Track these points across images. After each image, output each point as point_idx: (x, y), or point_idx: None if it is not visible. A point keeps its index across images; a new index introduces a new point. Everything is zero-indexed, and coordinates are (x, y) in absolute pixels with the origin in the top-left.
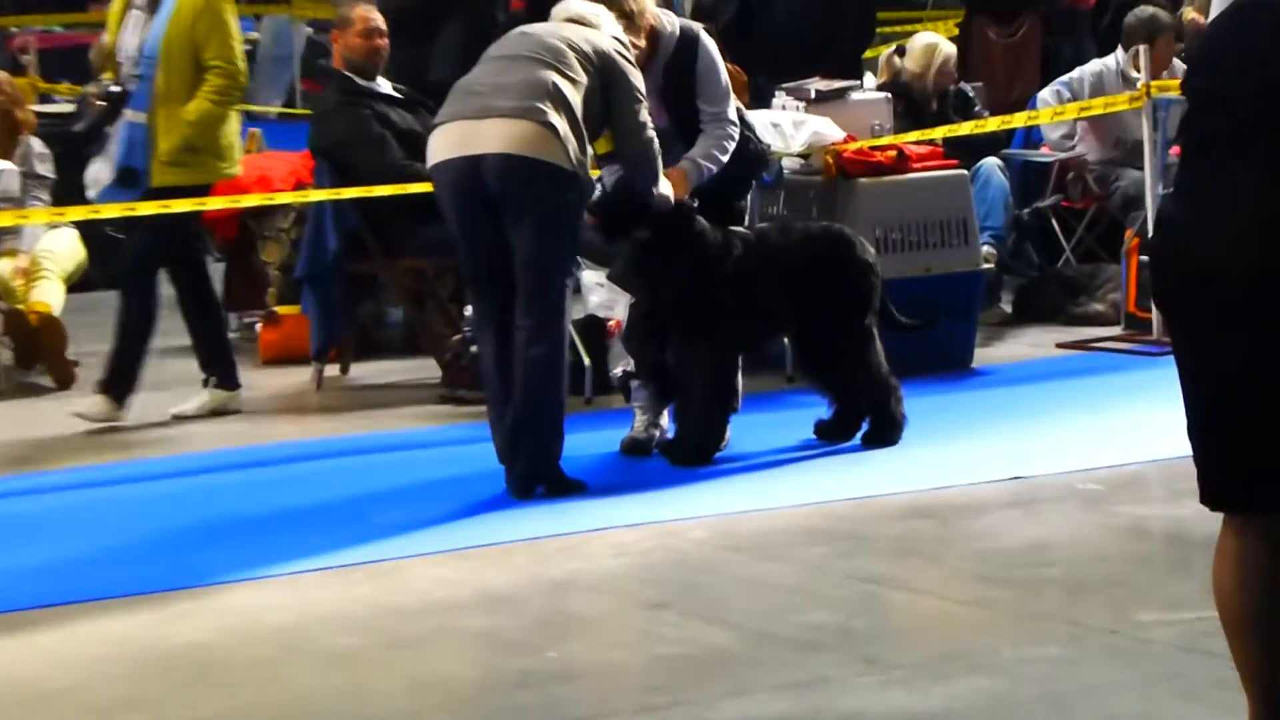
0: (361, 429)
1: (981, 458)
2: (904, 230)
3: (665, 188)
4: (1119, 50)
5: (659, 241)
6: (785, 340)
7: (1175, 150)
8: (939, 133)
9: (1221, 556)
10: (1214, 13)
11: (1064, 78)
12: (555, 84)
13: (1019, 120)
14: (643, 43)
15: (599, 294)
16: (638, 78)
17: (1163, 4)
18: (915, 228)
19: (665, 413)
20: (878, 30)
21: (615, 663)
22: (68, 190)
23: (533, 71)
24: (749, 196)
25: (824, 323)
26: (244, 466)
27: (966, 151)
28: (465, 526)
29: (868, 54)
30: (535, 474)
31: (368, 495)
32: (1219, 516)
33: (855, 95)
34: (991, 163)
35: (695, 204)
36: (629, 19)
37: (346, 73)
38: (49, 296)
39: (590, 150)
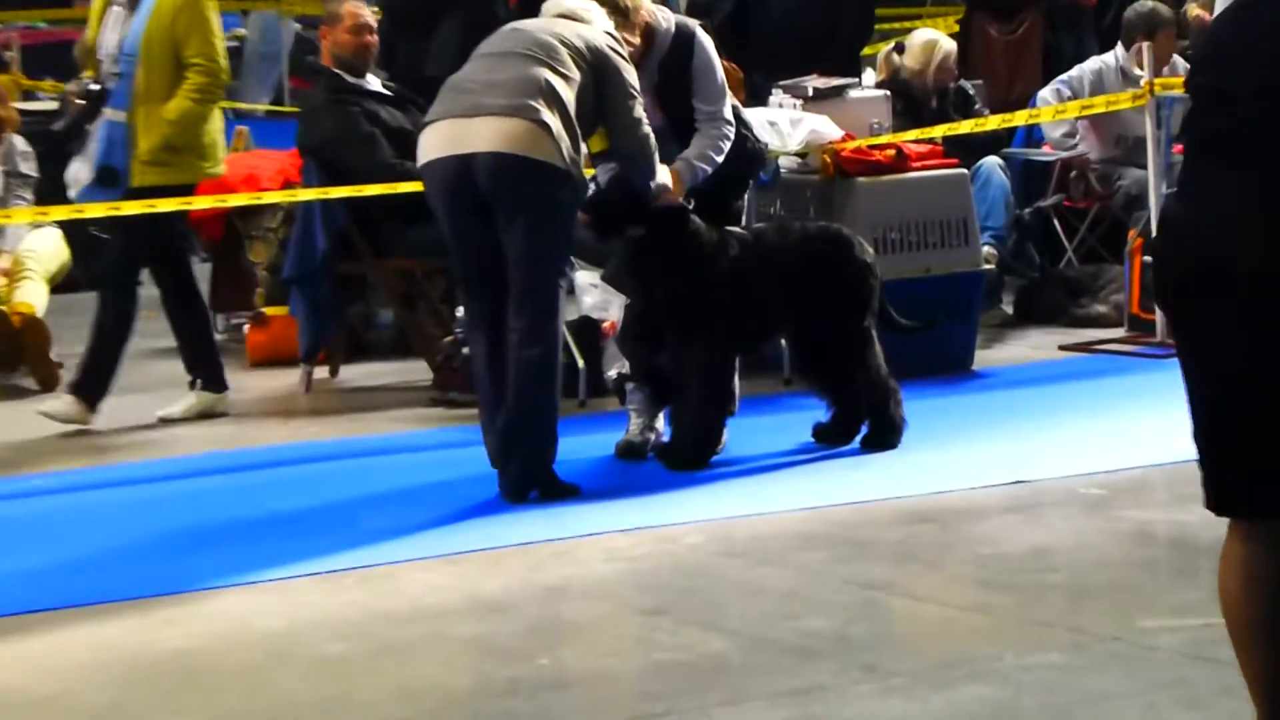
0: (351, 432)
1: (982, 461)
2: (903, 230)
3: (664, 176)
4: (1119, 47)
5: (654, 241)
6: (783, 342)
7: (1178, 148)
8: (939, 131)
9: (1227, 562)
10: (1218, 9)
11: (1064, 76)
12: (548, 81)
13: (1020, 118)
14: (637, 40)
15: (593, 295)
16: (631, 73)
17: None
18: (915, 228)
19: (661, 416)
20: (876, 26)
21: (609, 670)
22: (51, 189)
23: (524, 68)
24: (746, 196)
25: (822, 324)
26: (231, 470)
27: (967, 150)
28: (456, 531)
29: (866, 51)
30: (528, 478)
31: (357, 499)
32: (1225, 521)
33: (853, 93)
34: (992, 162)
35: (691, 204)
36: (623, 15)
37: (335, 70)
38: (32, 297)
39: (584, 148)
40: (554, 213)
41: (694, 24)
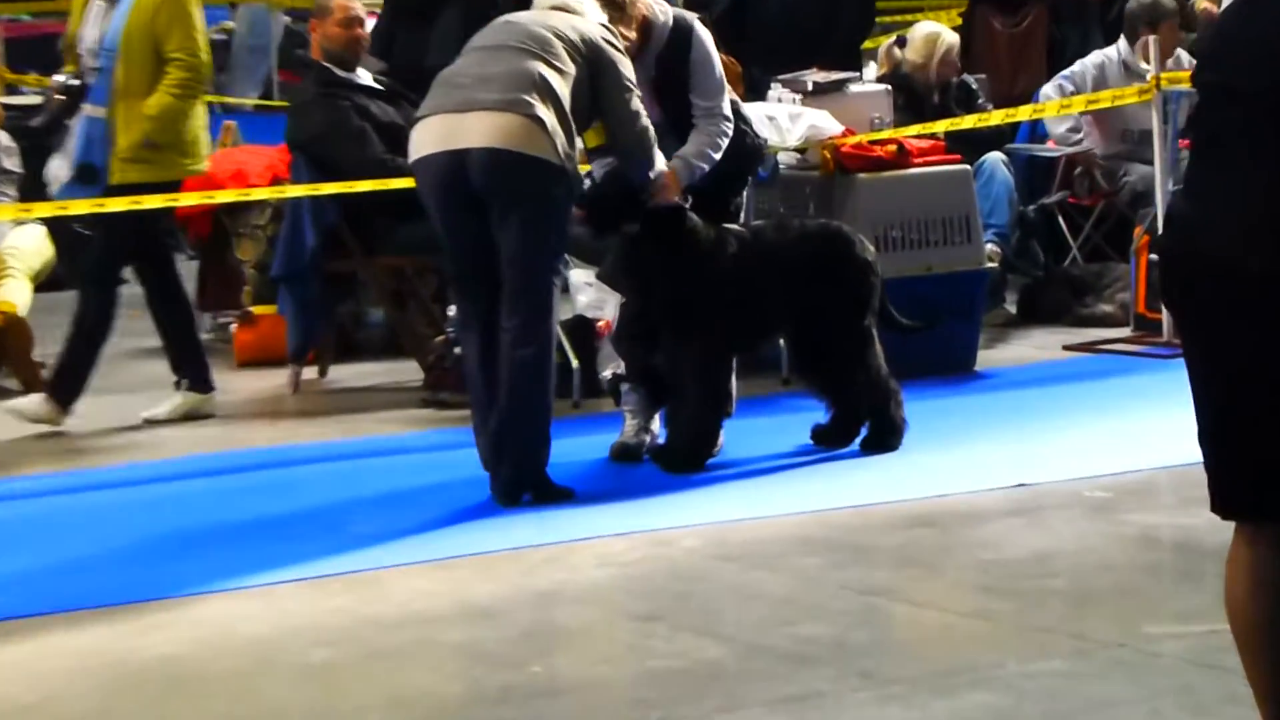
0: (340, 434)
1: (984, 464)
2: (904, 228)
3: (660, 163)
4: (1121, 40)
5: (650, 239)
6: (781, 342)
7: (1184, 143)
8: (941, 126)
9: (1234, 567)
10: (1225, 2)
11: (1065, 72)
12: (542, 75)
13: (1024, 113)
14: (633, 34)
15: (588, 293)
16: (628, 65)
17: None
18: (916, 225)
19: (656, 417)
20: (877, 19)
21: (602, 677)
22: (35, 185)
23: (518, 62)
24: (744, 193)
25: (821, 324)
26: (218, 473)
27: (969, 146)
28: (447, 535)
29: (867, 44)
30: (521, 481)
31: (346, 503)
32: (1232, 525)
33: (854, 87)
34: (995, 158)
35: (688, 201)
36: (620, 10)
37: (325, 63)
38: (15, 296)
39: (579, 143)
40: (548, 210)
41: (692, 17)
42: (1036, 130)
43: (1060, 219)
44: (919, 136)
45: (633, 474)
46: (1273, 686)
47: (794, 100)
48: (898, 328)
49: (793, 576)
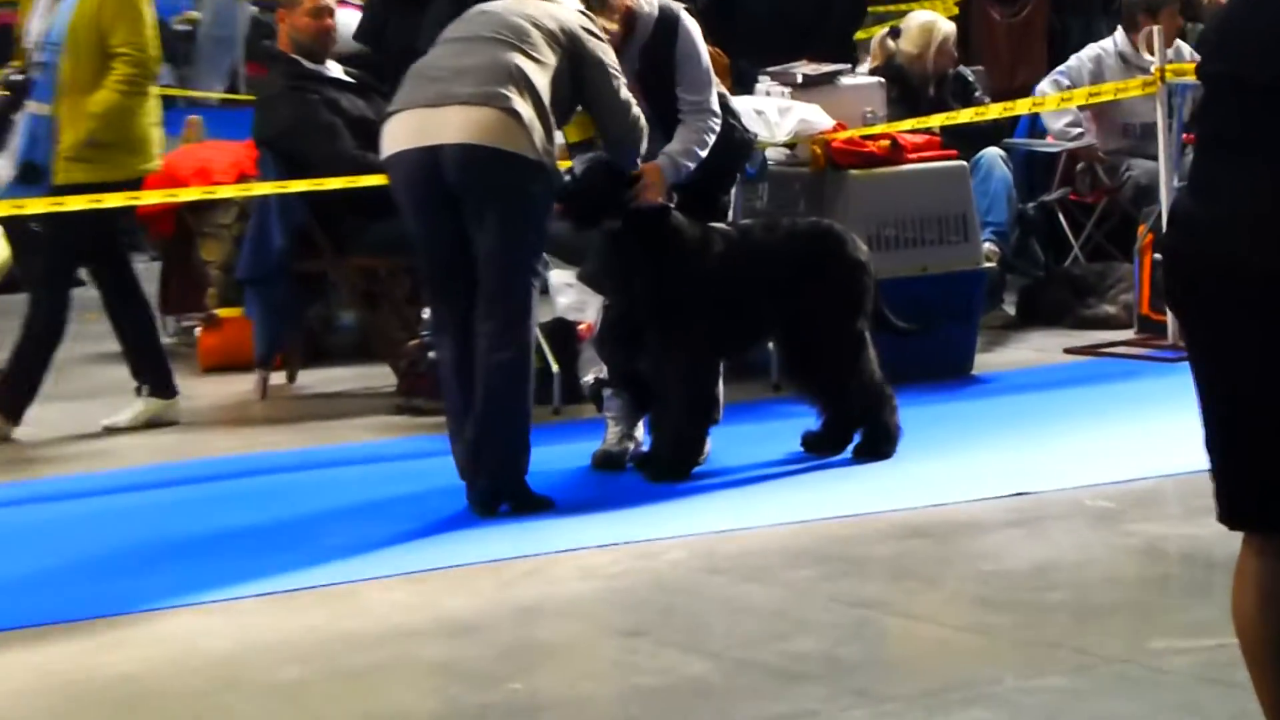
0: (310, 441)
1: (982, 472)
2: (899, 226)
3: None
4: (1118, 31)
5: (634, 238)
6: (771, 345)
7: (1189, 137)
8: (936, 120)
9: (1241, 579)
10: None
11: (1062, 66)
12: (519, 67)
13: (1023, 107)
14: (615, 26)
15: (568, 295)
16: (610, 53)
17: None
18: (911, 223)
19: (640, 424)
20: (870, 9)
21: (585, 694)
22: None
23: (494, 53)
24: (732, 190)
25: (812, 326)
26: (181, 483)
27: (966, 141)
28: (422, 547)
29: (859, 35)
30: (499, 490)
31: (316, 513)
32: (1240, 536)
33: (845, 80)
34: (993, 153)
35: (674, 199)
36: (601, 1)
37: (293, 55)
38: None
39: (559, 138)
40: (526, 207)
41: (678, 7)
42: (1036, 125)
43: (1061, 217)
44: (914, 131)
45: (616, 483)
46: None
47: (783, 93)
48: (892, 330)
49: (783, 589)
